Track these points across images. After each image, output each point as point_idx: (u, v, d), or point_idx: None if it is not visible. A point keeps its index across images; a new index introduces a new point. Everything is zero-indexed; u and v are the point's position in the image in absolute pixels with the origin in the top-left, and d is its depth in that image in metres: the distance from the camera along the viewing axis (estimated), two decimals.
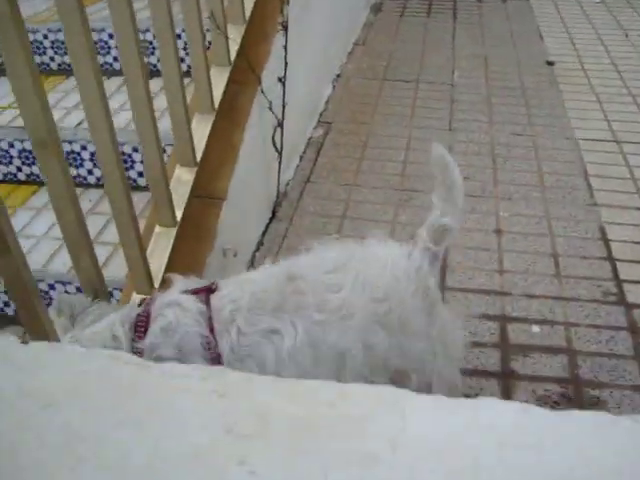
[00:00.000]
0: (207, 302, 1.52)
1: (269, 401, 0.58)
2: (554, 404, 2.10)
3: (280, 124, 2.77)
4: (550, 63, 4.66)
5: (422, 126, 3.82)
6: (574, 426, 0.53)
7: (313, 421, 0.55)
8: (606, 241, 2.85)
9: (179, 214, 2.16)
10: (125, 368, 0.63)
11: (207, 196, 2.36)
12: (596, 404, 2.10)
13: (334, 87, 4.29)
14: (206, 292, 1.55)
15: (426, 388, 1.67)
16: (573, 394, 2.13)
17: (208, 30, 2.44)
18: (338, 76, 4.42)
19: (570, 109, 4.02)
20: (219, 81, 2.52)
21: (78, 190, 2.53)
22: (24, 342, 0.67)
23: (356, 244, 1.67)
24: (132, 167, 2.82)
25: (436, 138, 3.55)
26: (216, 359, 1.47)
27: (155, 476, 0.53)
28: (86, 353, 0.67)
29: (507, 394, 2.13)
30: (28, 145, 2.54)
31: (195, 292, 1.56)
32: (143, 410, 0.58)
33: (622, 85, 4.32)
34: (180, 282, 1.61)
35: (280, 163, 2.94)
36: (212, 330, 1.48)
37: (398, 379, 1.63)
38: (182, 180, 2.28)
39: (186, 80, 2.51)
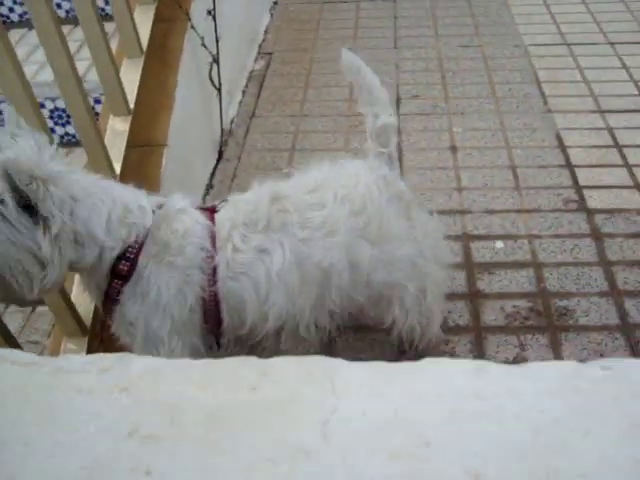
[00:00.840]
0: (212, 220, 1.54)
1: (179, 391, 0.49)
2: (524, 319, 2.07)
3: (215, 60, 2.62)
4: None
5: (367, 47, 3.67)
6: (536, 383, 0.45)
7: (231, 411, 0.47)
8: (563, 148, 2.78)
9: (117, 167, 2.05)
10: (12, 370, 0.54)
11: (145, 144, 2.24)
12: (565, 314, 2.07)
13: (272, 15, 4.11)
14: (210, 211, 1.56)
15: (422, 296, 1.73)
16: (542, 307, 2.10)
17: None
18: (275, 3, 4.22)
19: (517, 15, 3.90)
20: (144, 20, 2.38)
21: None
22: None
23: (331, 165, 1.67)
24: (69, 122, 2.68)
25: (382, 58, 3.50)
26: (212, 273, 1.48)
27: None
28: None
29: (475, 315, 2.09)
30: None
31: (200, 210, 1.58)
32: (32, 421, 0.49)
33: None
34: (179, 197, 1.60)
35: (221, 100, 2.81)
36: (214, 245, 1.49)
37: (388, 293, 1.69)
38: (117, 131, 2.17)
39: (112, 25, 2.36)
